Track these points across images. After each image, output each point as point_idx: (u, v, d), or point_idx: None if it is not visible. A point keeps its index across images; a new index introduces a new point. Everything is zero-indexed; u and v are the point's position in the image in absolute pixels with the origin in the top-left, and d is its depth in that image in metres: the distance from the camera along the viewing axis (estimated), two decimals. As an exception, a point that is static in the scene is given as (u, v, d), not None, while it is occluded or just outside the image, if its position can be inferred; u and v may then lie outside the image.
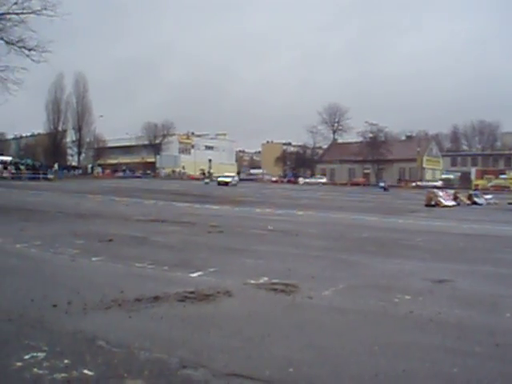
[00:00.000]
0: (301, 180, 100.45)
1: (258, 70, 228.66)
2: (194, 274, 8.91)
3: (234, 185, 74.20)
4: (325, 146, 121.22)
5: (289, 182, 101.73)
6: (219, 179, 76.83)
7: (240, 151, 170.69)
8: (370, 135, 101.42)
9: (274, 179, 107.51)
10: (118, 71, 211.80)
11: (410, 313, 6.72)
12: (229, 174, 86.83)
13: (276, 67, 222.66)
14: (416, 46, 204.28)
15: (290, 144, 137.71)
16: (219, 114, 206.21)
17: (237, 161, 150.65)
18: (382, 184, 76.77)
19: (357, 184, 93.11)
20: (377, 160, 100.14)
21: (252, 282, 8.35)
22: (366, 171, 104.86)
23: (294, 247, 12.61)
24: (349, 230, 16.96)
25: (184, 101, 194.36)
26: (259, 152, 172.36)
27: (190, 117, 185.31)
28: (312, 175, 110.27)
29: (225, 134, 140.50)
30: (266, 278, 8.55)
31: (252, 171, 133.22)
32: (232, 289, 7.73)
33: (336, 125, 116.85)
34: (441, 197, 34.00)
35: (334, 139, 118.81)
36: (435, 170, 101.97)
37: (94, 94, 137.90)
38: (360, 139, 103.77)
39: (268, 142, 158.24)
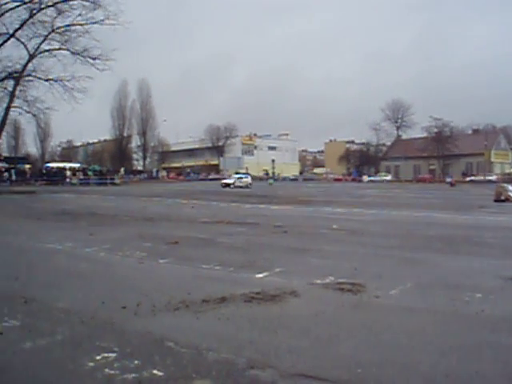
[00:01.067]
0: (365, 178, 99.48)
1: (321, 69, 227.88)
2: (260, 275, 8.92)
3: (245, 187, 67.32)
4: (388, 143, 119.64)
5: (353, 180, 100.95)
6: (222, 181, 73.38)
7: (303, 151, 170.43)
8: (435, 130, 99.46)
9: (337, 178, 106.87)
10: (181, 76, 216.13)
11: (481, 311, 6.53)
12: (239, 173, 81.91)
13: (339, 66, 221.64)
14: (480, 37, 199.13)
15: (353, 142, 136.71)
16: (282, 114, 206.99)
17: (300, 160, 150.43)
18: (448, 180, 75.24)
19: (422, 180, 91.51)
20: (442, 155, 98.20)
21: (318, 281, 8.30)
22: (431, 167, 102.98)
23: (359, 246, 12.48)
24: (415, 228, 16.66)
25: (247, 103, 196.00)
26: (322, 151, 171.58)
27: (253, 118, 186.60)
28: (376, 173, 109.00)
29: (287, 134, 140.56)
30: (332, 278, 8.49)
31: (315, 170, 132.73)
32: (298, 289, 7.71)
33: (399, 121, 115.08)
34: (511, 191, 32.99)
35: (398, 136, 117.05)
36: (504, 164, 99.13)
37: (158, 100, 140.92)
38: (425, 135, 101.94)
39: (331, 140, 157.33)
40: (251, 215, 21.37)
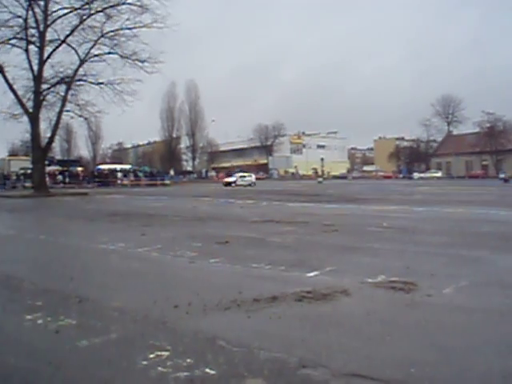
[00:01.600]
0: (415, 175, 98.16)
1: (371, 66, 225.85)
2: (311, 274, 8.88)
3: (247, 185, 67.02)
4: (439, 139, 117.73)
5: (403, 177, 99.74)
6: (224, 180, 74.13)
7: (352, 148, 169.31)
8: (488, 125, 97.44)
9: (387, 175, 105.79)
10: (230, 76, 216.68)
11: (539, 310, 6.38)
12: (244, 173, 78.97)
13: (390, 63, 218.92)
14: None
15: (402, 139, 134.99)
16: (331, 112, 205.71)
17: (349, 158, 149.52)
18: (502, 175, 73.63)
19: (475, 177, 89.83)
20: (495, 151, 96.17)
21: (369, 280, 8.22)
22: (484, 163, 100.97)
23: (411, 244, 12.31)
24: (469, 225, 16.33)
25: (296, 101, 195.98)
26: (372, 148, 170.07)
27: (302, 117, 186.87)
28: (427, 170, 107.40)
29: (336, 132, 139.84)
30: (383, 277, 8.39)
31: (365, 168, 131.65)
32: (349, 288, 7.65)
33: (450, 116, 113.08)
34: None
35: (449, 131, 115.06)
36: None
37: (207, 100, 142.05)
38: (477, 130, 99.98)
39: (380, 137, 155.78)
40: (301, 214, 21.31)
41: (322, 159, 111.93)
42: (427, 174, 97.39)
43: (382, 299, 7.17)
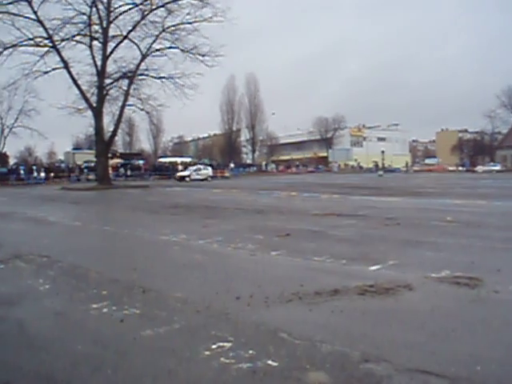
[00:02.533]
0: (479, 168, 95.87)
1: (434, 58, 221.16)
2: (373, 268, 8.80)
3: (204, 179, 62.65)
4: (505, 131, 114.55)
5: (467, 170, 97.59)
6: (176, 174, 66.69)
7: (413, 141, 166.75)
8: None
9: (449, 168, 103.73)
10: (291, 68, 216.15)
11: None
12: (199, 166, 70.81)
13: (454, 53, 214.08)
14: None
15: (466, 131, 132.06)
16: (393, 104, 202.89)
17: (410, 151, 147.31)
18: None
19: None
20: None
21: (433, 275, 8.08)
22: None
23: (476, 239, 12.03)
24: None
25: (357, 94, 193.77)
26: (434, 141, 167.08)
27: (363, 110, 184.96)
28: (490, 162, 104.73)
29: (397, 125, 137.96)
30: (447, 272, 8.23)
31: (427, 161, 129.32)
32: (412, 282, 7.54)
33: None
34: None
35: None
36: None
37: (267, 93, 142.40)
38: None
39: (442, 130, 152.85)
40: (362, 207, 21.10)
41: (383, 152, 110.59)
42: (486, 168, 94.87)
43: (446, 294, 7.05)
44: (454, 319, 5.91)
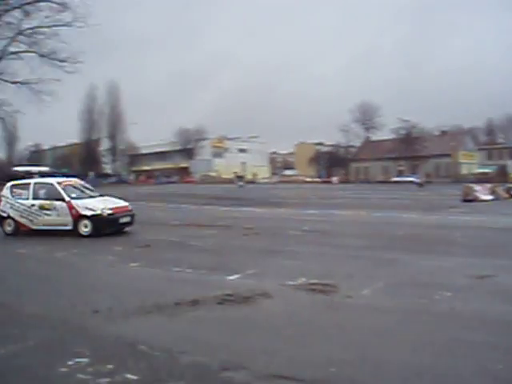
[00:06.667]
0: (334, 179, 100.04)
1: (300, 73, 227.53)
2: (232, 277, 8.93)
3: None
4: (358, 145, 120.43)
5: (323, 182, 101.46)
6: None
7: (273, 153, 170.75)
8: (404, 132, 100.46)
9: (307, 179, 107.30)
10: (166, 81, 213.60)
11: (451, 309, 6.65)
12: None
13: (321, 69, 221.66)
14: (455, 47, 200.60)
15: (322, 144, 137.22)
16: (255, 117, 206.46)
17: (270, 163, 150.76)
18: (416, 180, 75.87)
19: (392, 181, 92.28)
20: (411, 156, 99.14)
21: (290, 283, 8.34)
22: (400, 168, 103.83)
23: (330, 247, 12.55)
24: (386, 228, 16.75)
25: (226, 107, 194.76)
26: (292, 153, 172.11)
27: (228, 122, 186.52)
28: (345, 174, 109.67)
29: (257, 137, 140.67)
30: (304, 279, 8.52)
31: (285, 172, 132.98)
32: (270, 290, 7.73)
33: (368, 122, 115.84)
34: (478, 191, 33.39)
35: (367, 137, 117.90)
36: (471, 164, 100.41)
37: (135, 105, 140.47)
38: (393, 136, 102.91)
39: (301, 142, 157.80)
40: (222, 218, 21.29)
41: (244, 163, 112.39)
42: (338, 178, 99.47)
43: (302, 301, 7.30)
44: (310, 325, 6.13)
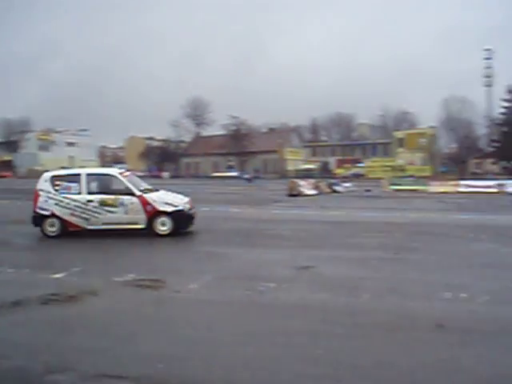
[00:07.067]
0: (165, 174, 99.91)
1: (135, 70, 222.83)
2: (57, 275, 8.62)
3: None
4: (189, 140, 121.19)
5: (153, 176, 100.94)
6: None
7: (103, 147, 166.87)
8: (233, 128, 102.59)
9: (138, 174, 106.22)
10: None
11: (275, 300, 6.94)
12: None
13: (156, 65, 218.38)
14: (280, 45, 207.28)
15: (152, 138, 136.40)
16: (86, 110, 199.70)
17: (99, 157, 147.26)
18: (245, 176, 77.82)
19: (221, 176, 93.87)
20: (240, 152, 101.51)
21: (118, 279, 8.22)
22: (230, 163, 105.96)
23: (157, 242, 12.56)
24: (214, 222, 16.91)
25: (58, 98, 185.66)
26: (122, 147, 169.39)
27: (53, 114, 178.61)
28: (176, 169, 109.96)
29: (86, 130, 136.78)
30: (132, 275, 8.44)
31: (115, 166, 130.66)
32: (97, 288, 7.58)
33: (199, 118, 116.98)
34: (302, 186, 34.99)
35: (198, 133, 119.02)
36: (297, 161, 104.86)
37: None
38: (223, 132, 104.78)
39: (131, 136, 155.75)
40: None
41: (71, 157, 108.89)
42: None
43: (130, 298, 7.24)
44: (138, 321, 6.11)
